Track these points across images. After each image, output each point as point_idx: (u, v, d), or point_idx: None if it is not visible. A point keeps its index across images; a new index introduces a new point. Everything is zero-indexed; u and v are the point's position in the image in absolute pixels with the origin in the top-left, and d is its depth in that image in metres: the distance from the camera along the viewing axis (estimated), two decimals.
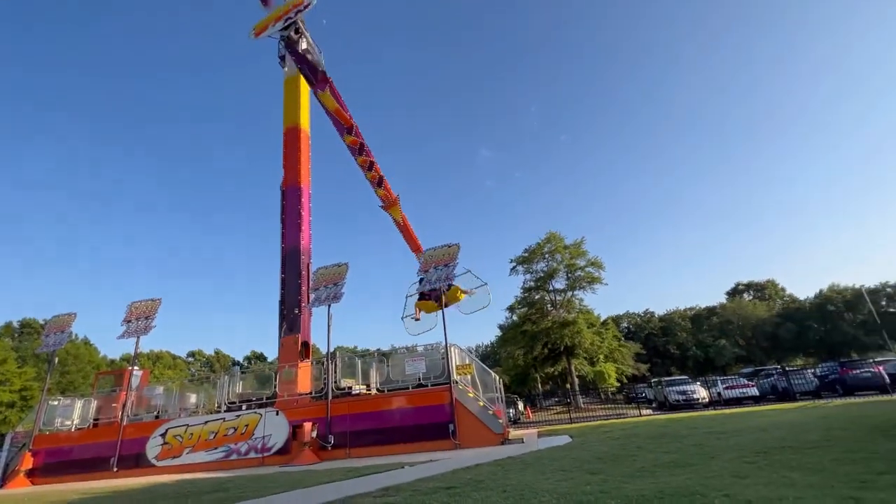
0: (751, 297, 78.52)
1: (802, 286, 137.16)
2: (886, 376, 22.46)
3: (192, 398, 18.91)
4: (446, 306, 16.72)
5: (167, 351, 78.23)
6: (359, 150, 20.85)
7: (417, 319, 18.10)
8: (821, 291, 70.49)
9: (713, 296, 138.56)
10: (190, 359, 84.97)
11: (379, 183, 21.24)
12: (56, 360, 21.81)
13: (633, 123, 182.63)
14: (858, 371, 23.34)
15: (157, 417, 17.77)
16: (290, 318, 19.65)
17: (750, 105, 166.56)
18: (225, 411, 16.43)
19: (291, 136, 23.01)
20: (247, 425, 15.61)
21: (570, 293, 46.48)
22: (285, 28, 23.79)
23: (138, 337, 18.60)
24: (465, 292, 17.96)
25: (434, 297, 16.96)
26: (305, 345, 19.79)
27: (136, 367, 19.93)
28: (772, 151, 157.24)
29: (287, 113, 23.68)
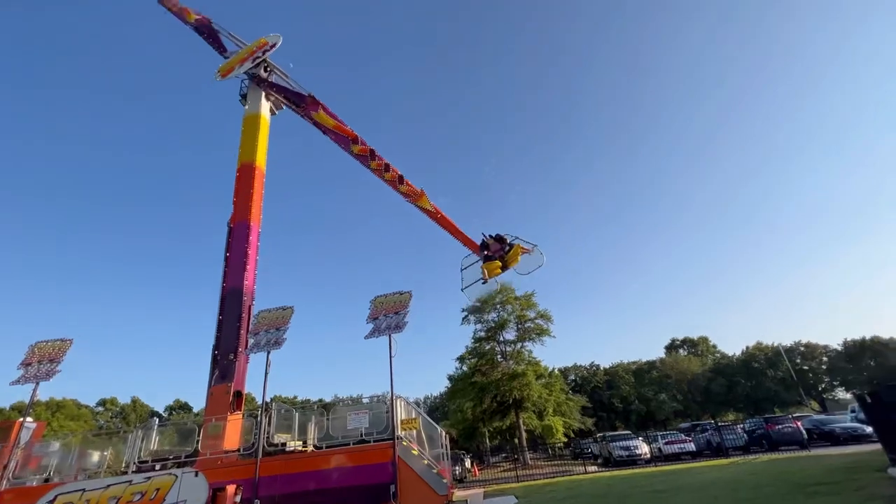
0: (686, 353, 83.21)
1: (733, 343, 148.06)
2: (804, 431, 24.36)
3: (95, 456, 16.41)
4: (508, 267, 17.18)
5: (72, 399, 68.59)
6: (370, 156, 21.00)
7: (486, 281, 17.52)
8: (747, 348, 76.11)
9: (653, 350, 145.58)
10: (100, 408, 74.76)
11: (400, 181, 20.83)
12: None
13: (580, 182, 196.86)
14: (781, 426, 25.13)
15: (46, 481, 15.13)
16: (224, 364, 18.10)
17: (693, 169, 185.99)
18: (134, 472, 14.33)
19: (245, 173, 22.49)
20: (158, 489, 13.66)
21: (519, 344, 46.96)
22: (255, 66, 24.22)
23: (37, 383, 16.24)
24: (525, 250, 17.91)
25: (498, 256, 17.40)
26: (238, 395, 18.16)
27: (29, 419, 17.17)
28: (705, 222, 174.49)
29: (244, 150, 23.29)
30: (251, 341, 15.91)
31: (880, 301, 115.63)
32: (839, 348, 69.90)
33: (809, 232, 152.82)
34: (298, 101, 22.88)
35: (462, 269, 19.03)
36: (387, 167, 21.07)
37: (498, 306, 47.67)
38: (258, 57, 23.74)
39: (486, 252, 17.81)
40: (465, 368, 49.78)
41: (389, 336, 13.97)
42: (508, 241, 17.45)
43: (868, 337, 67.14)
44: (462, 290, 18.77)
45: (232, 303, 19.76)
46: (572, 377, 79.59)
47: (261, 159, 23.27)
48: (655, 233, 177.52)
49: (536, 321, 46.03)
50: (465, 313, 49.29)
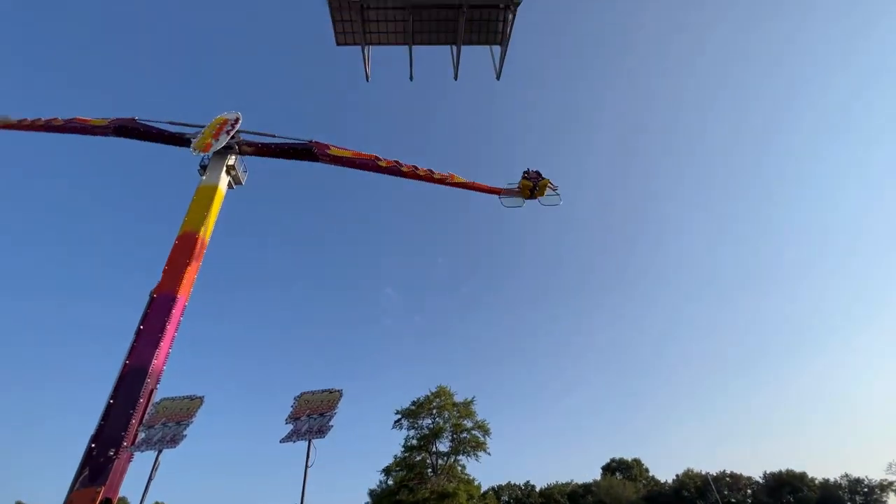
0: (621, 477, 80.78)
1: (665, 466, 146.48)
2: None
3: None
4: (535, 197, 22.26)
5: None
6: (399, 165, 23.17)
7: (519, 189, 22.56)
8: (678, 476, 75.47)
9: (589, 469, 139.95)
10: None
11: (431, 174, 23.45)
12: None
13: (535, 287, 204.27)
14: None
15: None
16: (98, 462, 14.90)
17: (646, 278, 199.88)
18: None
19: (185, 243, 21.30)
20: None
21: (453, 458, 43.38)
22: (232, 138, 24.73)
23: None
24: (552, 187, 22.35)
25: (532, 180, 22.24)
26: (108, 503, 14.72)
27: None
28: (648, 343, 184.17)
29: (190, 219, 22.38)
30: (142, 435, 13.42)
31: (799, 433, 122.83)
32: (761, 480, 71.43)
33: (744, 365, 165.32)
34: (307, 150, 24.61)
35: (500, 198, 23.23)
36: (416, 168, 23.34)
37: (434, 411, 44.82)
38: (231, 130, 24.27)
39: (524, 176, 22.73)
40: (390, 482, 44.49)
41: (309, 442, 12.33)
42: (542, 177, 22.51)
43: (784, 470, 69.70)
44: (500, 199, 23.05)
45: (131, 384, 17.04)
46: (505, 498, 73.66)
47: (206, 231, 22.33)
48: (592, 349, 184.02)
49: (473, 432, 43.39)
50: (399, 416, 45.72)
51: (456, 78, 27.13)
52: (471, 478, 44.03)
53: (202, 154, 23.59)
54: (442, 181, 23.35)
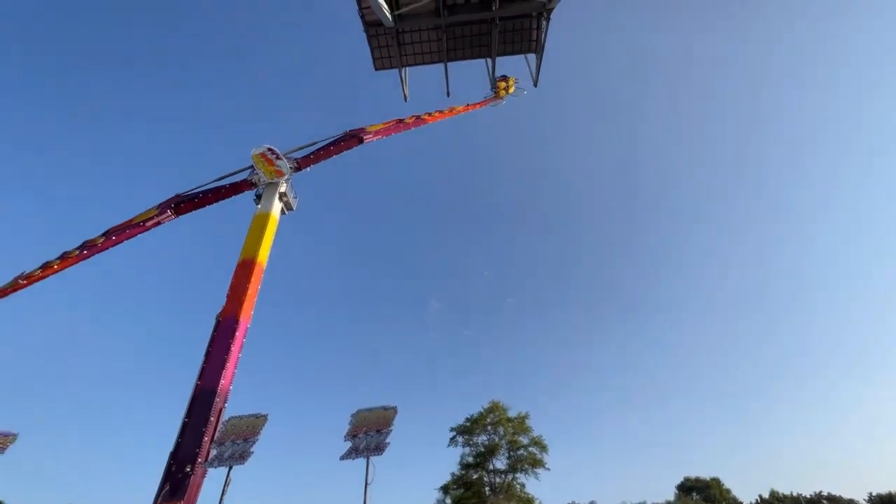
0: (698, 497, 74.52)
1: (745, 488, 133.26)
2: None
3: None
4: (509, 93, 27.54)
5: None
6: (422, 117, 26.32)
7: (497, 98, 28.25)
8: (760, 497, 68.45)
9: (661, 489, 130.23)
10: None
11: (451, 111, 28.41)
12: None
13: (584, 300, 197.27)
14: None
15: None
16: (178, 477, 15.92)
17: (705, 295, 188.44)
18: None
19: (245, 268, 22.69)
20: None
21: (510, 475, 42.13)
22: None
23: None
24: (513, 85, 27.35)
25: (504, 80, 27.38)
26: None
27: None
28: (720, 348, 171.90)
29: (248, 245, 23.87)
30: (213, 452, 14.19)
31: None
32: (864, 503, 63.14)
33: (825, 376, 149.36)
34: (352, 136, 27.03)
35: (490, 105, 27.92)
36: (440, 112, 26.67)
37: (489, 428, 43.94)
38: (279, 156, 26.22)
39: (498, 80, 27.27)
40: (448, 501, 43.92)
41: (368, 459, 12.45)
42: (508, 78, 27.47)
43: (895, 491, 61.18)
44: (490, 106, 28.15)
45: (202, 404, 18.19)
46: None
47: (263, 256, 23.71)
48: (662, 363, 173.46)
49: (530, 449, 41.96)
50: (454, 433, 45.26)
51: (492, 89, 27.30)
52: (530, 496, 42.50)
53: (277, 179, 25.72)
54: (451, 113, 27.05)
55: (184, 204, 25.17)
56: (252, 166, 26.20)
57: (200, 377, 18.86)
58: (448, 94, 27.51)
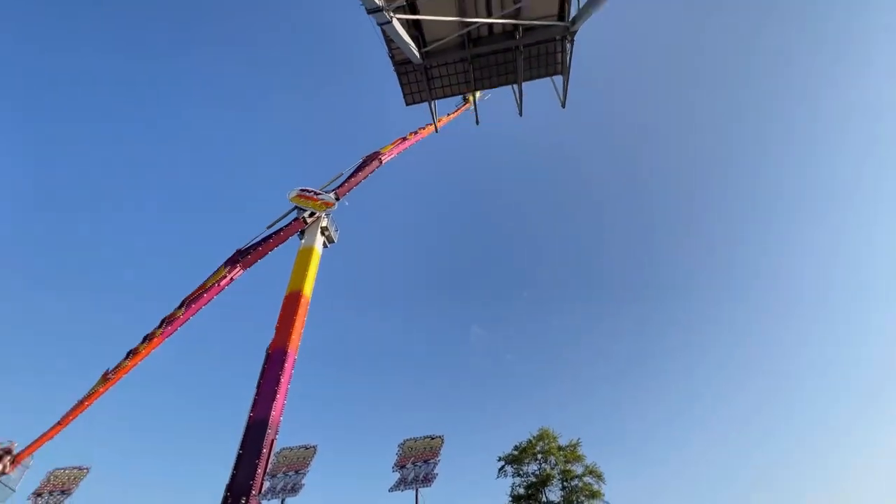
0: None
1: None
2: None
3: None
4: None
5: None
6: (417, 132, 30.44)
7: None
8: None
9: None
10: None
11: (457, 109, 32.59)
12: None
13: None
14: None
15: None
16: None
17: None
18: None
19: (291, 301, 23.65)
20: None
21: None
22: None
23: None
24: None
25: None
26: None
27: None
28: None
29: (294, 279, 24.96)
30: (267, 484, 14.53)
31: None
32: None
33: None
34: (372, 164, 29.72)
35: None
36: (429, 125, 27.04)
37: (539, 456, 42.08)
38: (317, 192, 28.11)
39: None
40: None
41: (416, 491, 12.29)
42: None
43: None
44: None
45: (255, 435, 18.74)
46: None
47: (308, 289, 24.69)
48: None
49: (585, 479, 39.62)
50: (502, 462, 43.66)
51: (521, 114, 27.62)
52: None
53: (328, 210, 27.45)
54: (440, 123, 26.76)
55: (248, 256, 26.27)
56: (295, 207, 27.69)
57: (253, 409, 19.51)
58: (477, 123, 28.16)
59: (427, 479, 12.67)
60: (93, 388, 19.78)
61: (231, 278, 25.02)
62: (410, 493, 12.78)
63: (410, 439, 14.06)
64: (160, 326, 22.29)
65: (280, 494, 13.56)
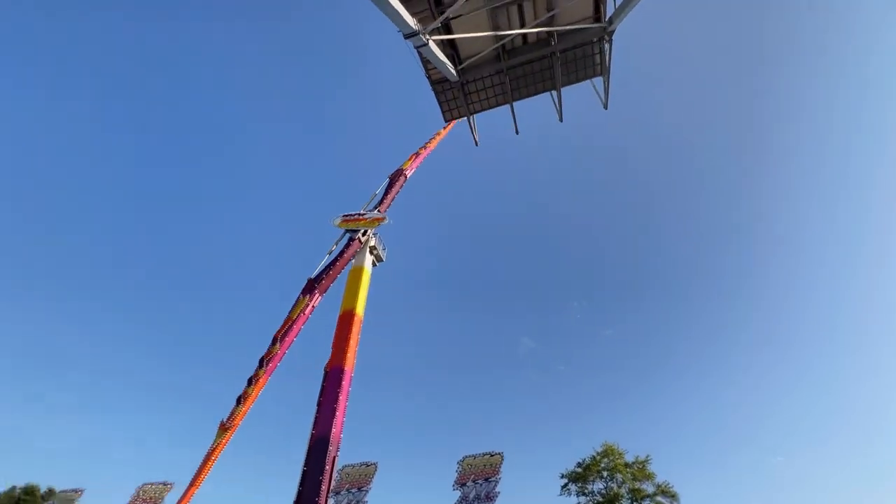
0: None
1: None
2: None
3: None
4: None
5: None
6: (425, 148, 28.74)
7: None
8: None
9: None
10: None
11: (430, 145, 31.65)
12: None
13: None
14: None
15: None
16: None
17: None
18: None
19: (345, 320, 24.41)
20: None
21: None
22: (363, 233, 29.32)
23: None
24: None
25: None
26: None
27: None
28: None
29: (346, 298, 25.81)
30: (331, 502, 14.84)
31: None
32: None
33: None
34: (399, 180, 30.68)
35: None
36: (433, 139, 28.63)
37: (605, 474, 39.83)
38: (362, 213, 29.54)
39: None
40: None
41: None
42: None
43: None
44: None
45: (318, 452, 19.34)
46: None
47: (360, 307, 25.41)
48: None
49: (657, 498, 36.95)
50: (565, 480, 41.79)
51: (561, 119, 27.16)
52: None
53: (381, 224, 29.10)
54: (439, 136, 28.68)
55: (322, 281, 27.61)
56: (345, 231, 28.88)
57: (314, 426, 20.19)
58: (517, 132, 28.01)
59: (489, 499, 12.41)
60: (215, 442, 20.73)
61: (313, 306, 26.35)
62: None
63: (469, 456, 13.87)
64: (261, 367, 23.12)
65: None
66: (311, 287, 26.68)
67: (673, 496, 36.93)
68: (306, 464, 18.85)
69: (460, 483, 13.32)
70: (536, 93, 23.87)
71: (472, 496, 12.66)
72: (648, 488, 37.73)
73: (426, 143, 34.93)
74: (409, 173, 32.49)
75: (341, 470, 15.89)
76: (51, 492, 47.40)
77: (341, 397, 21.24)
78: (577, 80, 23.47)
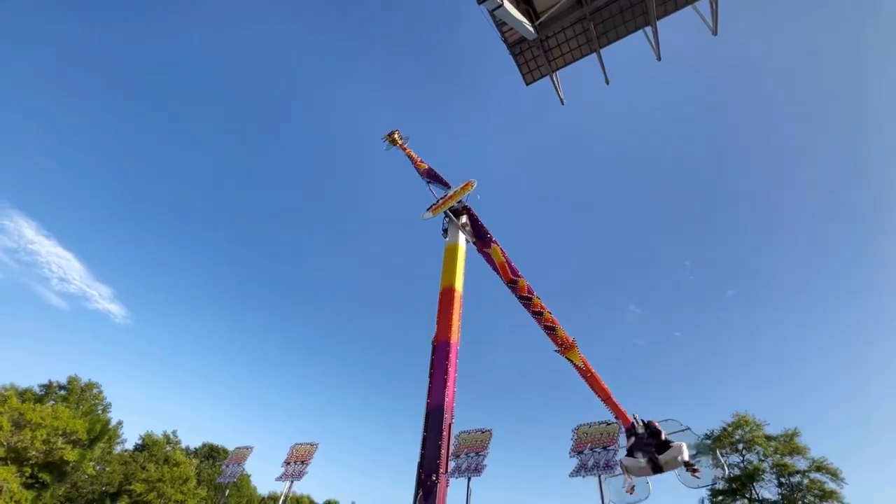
0: None
1: None
2: None
3: None
4: (663, 470, 14.22)
5: (307, 496, 79.57)
6: (528, 295, 22.95)
7: (631, 490, 13.88)
8: None
9: None
10: None
11: (552, 328, 21.69)
12: (227, 491, 23.98)
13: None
14: None
15: None
16: (427, 485, 18.32)
17: None
18: None
19: (447, 296, 25.28)
20: None
21: None
22: (457, 204, 29.04)
23: (291, 481, 19.46)
24: (691, 467, 14.77)
25: (650, 454, 14.11)
26: None
27: None
28: None
29: (445, 275, 26.63)
30: (452, 464, 15.88)
31: None
32: None
33: None
34: (480, 236, 26.82)
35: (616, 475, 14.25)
36: (540, 313, 22.13)
37: (740, 447, 36.07)
38: (461, 200, 28.68)
39: (632, 438, 14.36)
40: None
41: (599, 478, 11.78)
42: (664, 438, 14.19)
43: None
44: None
45: (435, 420, 20.69)
46: None
47: (459, 283, 26.03)
48: None
49: (811, 475, 32.43)
50: (693, 451, 38.84)
51: (659, 58, 24.07)
52: None
53: (471, 189, 28.31)
54: (558, 346, 21.25)
55: (434, 175, 31.28)
56: (444, 216, 29.21)
57: (429, 396, 21.55)
58: (607, 82, 25.53)
59: (609, 467, 12.08)
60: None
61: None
62: (591, 479, 12.33)
63: (584, 425, 13.61)
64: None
65: (465, 473, 14.62)
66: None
67: (834, 473, 32.04)
68: (425, 430, 20.32)
69: (577, 451, 13.17)
70: (627, 33, 21.44)
71: (590, 464, 12.46)
72: (799, 464, 33.27)
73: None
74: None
75: (458, 436, 16.79)
76: (225, 451, 58.82)
77: (450, 369, 22.25)
78: (677, 8, 20.55)
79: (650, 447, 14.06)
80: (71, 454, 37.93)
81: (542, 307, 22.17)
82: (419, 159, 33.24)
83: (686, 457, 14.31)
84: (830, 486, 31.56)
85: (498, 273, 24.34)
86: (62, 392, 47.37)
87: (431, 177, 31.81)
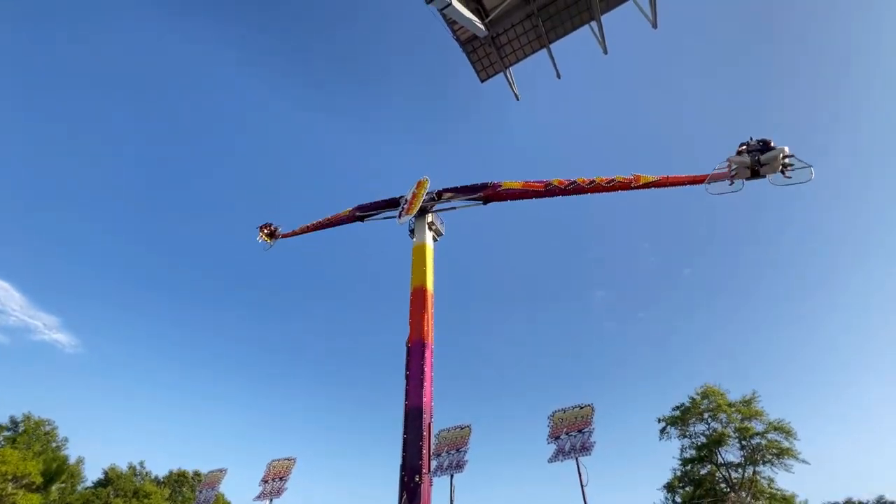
0: None
1: None
2: None
3: None
4: (762, 175, 16.42)
5: None
6: (573, 184, 22.88)
7: (731, 181, 17.20)
8: None
9: None
10: None
11: (611, 181, 22.17)
12: None
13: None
14: None
15: None
16: (412, 487, 18.31)
17: None
18: None
19: (418, 296, 25.27)
20: None
21: (751, 469, 35.65)
22: (427, 201, 28.65)
23: (270, 500, 18.92)
24: (787, 160, 16.23)
25: (754, 152, 16.60)
26: None
27: None
28: None
29: (415, 276, 26.59)
30: (434, 463, 15.94)
31: None
32: None
33: None
34: (479, 191, 26.74)
35: (706, 186, 18.18)
36: (591, 182, 22.29)
37: (706, 416, 38.25)
38: (426, 197, 28.39)
39: (744, 146, 17.05)
40: (678, 500, 39.50)
41: (577, 460, 12.21)
42: (771, 146, 16.45)
43: None
44: (706, 188, 18.07)
45: (414, 421, 20.69)
46: None
47: (430, 283, 26.07)
48: None
49: (768, 436, 34.87)
50: (663, 424, 40.83)
51: (605, 52, 24.97)
52: (786, 493, 35.12)
53: (408, 219, 28.05)
54: (626, 185, 21.16)
55: (366, 210, 30.90)
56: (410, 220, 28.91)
57: (407, 397, 21.51)
58: (559, 76, 26.24)
59: (585, 448, 12.50)
60: None
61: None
62: (570, 462, 12.73)
63: (559, 410, 14.02)
64: None
65: (448, 471, 14.72)
66: (354, 213, 29.61)
67: (788, 432, 34.62)
68: (405, 432, 20.27)
69: (553, 436, 13.57)
70: (574, 28, 22.09)
71: (567, 448, 12.86)
72: (758, 426, 35.71)
73: (605, 181, 24.44)
74: (494, 200, 28.48)
75: (438, 434, 16.87)
76: (197, 474, 56.18)
77: (426, 369, 22.29)
78: (619, 3, 21.34)
79: (757, 151, 16.55)
80: (24, 499, 35.17)
81: (589, 180, 22.44)
82: (330, 218, 32.43)
83: (787, 152, 16.10)
84: (785, 444, 34.07)
85: (530, 197, 24.79)
86: (8, 433, 43.78)
87: (367, 209, 30.85)
